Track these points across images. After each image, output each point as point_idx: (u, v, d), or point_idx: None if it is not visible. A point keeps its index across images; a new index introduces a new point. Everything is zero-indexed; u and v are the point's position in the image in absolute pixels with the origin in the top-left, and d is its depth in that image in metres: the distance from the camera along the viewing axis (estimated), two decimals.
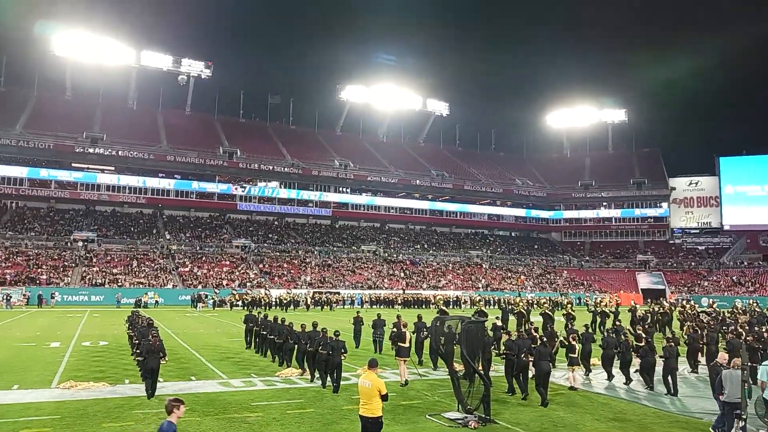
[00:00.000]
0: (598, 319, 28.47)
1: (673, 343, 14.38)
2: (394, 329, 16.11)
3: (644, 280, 70.15)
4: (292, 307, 44.75)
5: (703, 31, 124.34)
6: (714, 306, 35.64)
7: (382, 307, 48.48)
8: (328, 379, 13.93)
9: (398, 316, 17.46)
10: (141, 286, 48.92)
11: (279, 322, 18.14)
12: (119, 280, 49.45)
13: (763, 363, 10.02)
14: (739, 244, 77.46)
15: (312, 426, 10.49)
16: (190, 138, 69.17)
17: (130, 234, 59.80)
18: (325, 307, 46.80)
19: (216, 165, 67.29)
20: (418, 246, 74.18)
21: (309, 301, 47.46)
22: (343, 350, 13.80)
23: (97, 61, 68.64)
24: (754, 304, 39.08)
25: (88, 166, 61.96)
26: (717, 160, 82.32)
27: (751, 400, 10.10)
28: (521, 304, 31.07)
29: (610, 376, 15.41)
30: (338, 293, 51.99)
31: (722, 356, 10.87)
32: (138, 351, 14.38)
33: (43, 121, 62.34)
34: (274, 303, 45.81)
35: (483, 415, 10.90)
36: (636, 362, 15.22)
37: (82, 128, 63.40)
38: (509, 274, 69.74)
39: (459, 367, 12.51)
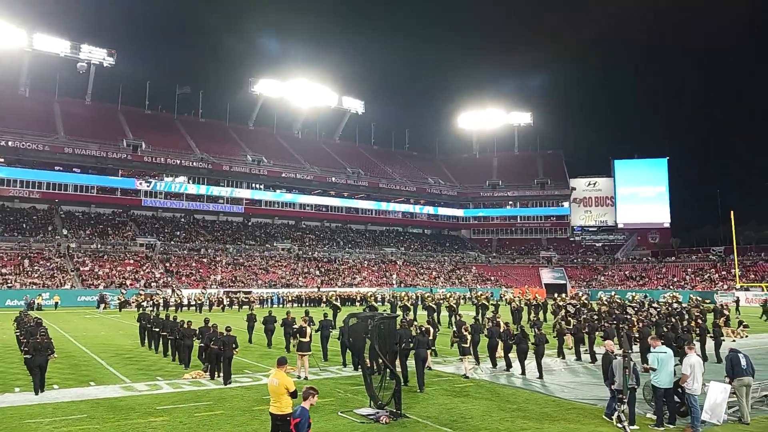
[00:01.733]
0: (481, 311, 30.91)
1: (541, 331, 16.21)
2: (293, 326, 16.97)
3: (547, 276, 73.93)
4: (206, 307, 42.36)
5: (601, 37, 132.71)
6: (615, 298, 38.69)
7: (311, 305, 44.75)
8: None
9: (287, 313, 18.86)
10: (35, 286, 45.53)
11: (171, 319, 18.84)
12: (8, 281, 45.74)
13: (652, 351, 10.86)
14: (631, 241, 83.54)
15: (222, 428, 10.26)
16: (91, 129, 65.04)
17: (22, 231, 55.45)
18: (243, 306, 43.50)
19: (119, 158, 63.66)
20: (334, 243, 74.06)
21: (225, 301, 45.46)
22: (234, 345, 14.40)
23: None
24: (616, 297, 42.47)
25: None
26: (612, 163, 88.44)
27: (639, 385, 10.96)
28: (405, 298, 35.29)
29: (494, 364, 16.95)
30: (250, 292, 50.74)
31: (609, 344, 11.66)
32: (26, 349, 14.26)
33: None
34: (185, 304, 43.36)
35: (394, 410, 11.11)
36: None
37: None
38: (422, 271, 71.21)
39: (371, 363, 12.69)
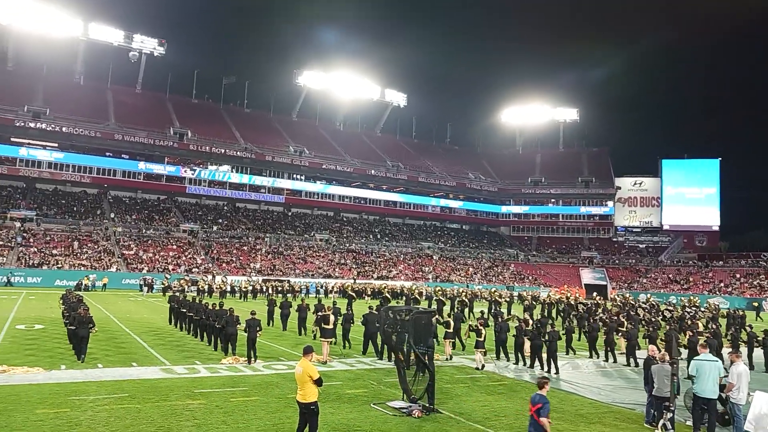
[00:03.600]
0: (493, 307, 32.51)
1: (556, 329, 16.72)
2: (318, 313, 17.94)
3: (587, 276, 72.36)
4: (251, 296, 41.25)
5: (654, 36, 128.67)
6: (629, 299, 38.71)
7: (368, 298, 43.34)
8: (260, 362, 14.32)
9: (302, 300, 21.07)
10: (83, 268, 47.22)
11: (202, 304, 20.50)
12: (59, 262, 47.58)
13: (693, 358, 10.49)
14: (677, 244, 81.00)
15: (255, 414, 10.42)
16: (140, 117, 66.89)
17: (73, 214, 57.54)
18: (288, 295, 40.21)
19: (166, 146, 65.31)
20: (371, 236, 74.33)
21: (271, 290, 43.35)
22: (258, 328, 15.78)
23: (42, 31, 65.30)
24: (630, 297, 42.75)
25: (29, 142, 59.07)
26: (660, 162, 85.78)
27: (680, 393, 10.62)
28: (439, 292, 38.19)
29: (498, 356, 17.66)
30: (288, 281, 51.24)
31: (652, 349, 11.33)
32: (68, 322, 15.96)
33: None
34: (228, 291, 43.20)
35: (427, 405, 11.07)
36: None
37: (23, 101, 60.36)
38: (459, 267, 70.80)
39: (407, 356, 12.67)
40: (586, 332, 20.27)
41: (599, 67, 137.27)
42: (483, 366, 16.11)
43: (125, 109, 67.95)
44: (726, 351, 16.39)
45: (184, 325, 21.89)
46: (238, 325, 16.47)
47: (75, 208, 58.91)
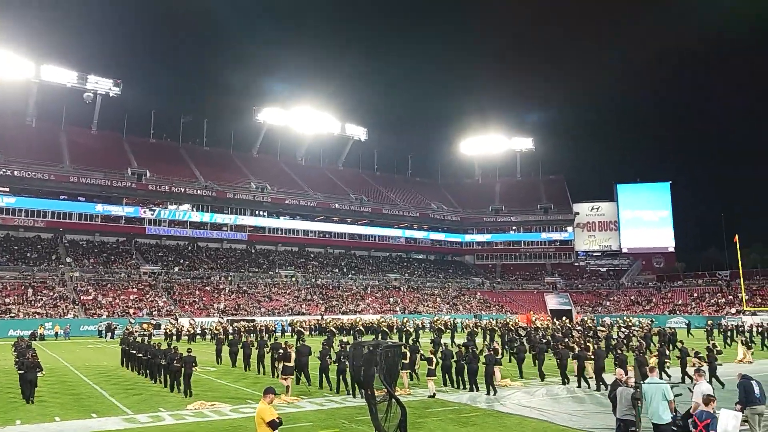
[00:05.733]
0: (437, 336, 33.13)
1: (492, 352, 18.16)
2: (279, 351, 18.32)
3: (552, 301, 73.42)
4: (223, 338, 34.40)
5: (602, 63, 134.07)
6: (566, 322, 43.76)
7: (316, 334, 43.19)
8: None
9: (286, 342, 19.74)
10: (38, 316, 45.37)
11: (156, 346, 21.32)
12: (11, 311, 45.61)
13: (643, 382, 10.59)
14: (636, 266, 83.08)
15: None
16: (96, 158, 65.54)
17: (26, 260, 55.48)
18: (262, 335, 37.76)
19: (123, 187, 63.98)
20: (337, 270, 73.86)
21: (243, 331, 39.33)
22: (194, 363, 17.25)
23: None
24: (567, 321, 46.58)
25: None
26: (615, 187, 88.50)
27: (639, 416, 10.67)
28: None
29: (444, 382, 18.39)
30: (253, 320, 50.32)
31: (620, 372, 11.52)
32: (17, 366, 17.06)
33: None
34: (198, 333, 40.75)
35: None
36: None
37: None
38: (426, 297, 70.82)
39: (377, 392, 12.53)
40: (514, 354, 22.37)
41: (552, 97, 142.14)
42: (434, 394, 16.59)
43: (80, 151, 66.53)
44: (691, 370, 16.80)
45: (133, 366, 22.82)
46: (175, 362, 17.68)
47: (28, 254, 56.84)
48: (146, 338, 30.57)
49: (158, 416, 14.08)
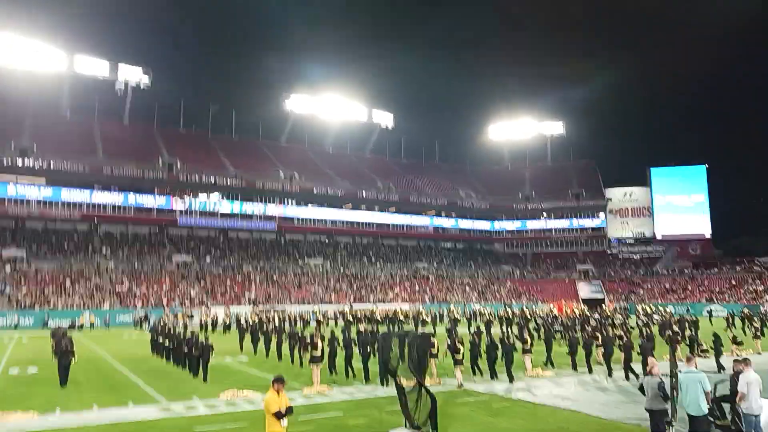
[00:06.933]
0: (453, 325, 33.68)
1: (510, 342, 18.45)
2: (308, 339, 18.56)
3: (584, 290, 72.40)
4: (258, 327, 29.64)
5: (634, 44, 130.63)
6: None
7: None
8: None
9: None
10: (76, 306, 46.65)
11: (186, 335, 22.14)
12: (51, 301, 46.97)
13: (682, 371, 10.27)
14: (671, 253, 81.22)
15: None
16: (128, 149, 66.76)
17: (63, 252, 57.00)
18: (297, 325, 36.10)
19: (155, 177, 65.10)
20: (365, 259, 74.06)
21: (278, 320, 36.95)
22: (211, 350, 18.53)
23: (27, 67, 65.31)
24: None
25: (16, 179, 58.71)
26: (648, 171, 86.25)
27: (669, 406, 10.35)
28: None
29: (474, 372, 18.41)
30: (284, 310, 50.83)
31: (652, 362, 11.20)
32: (54, 353, 18.72)
33: None
34: (233, 323, 38.30)
35: (430, 431, 10.87)
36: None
37: (9, 138, 60.06)
38: (455, 286, 70.54)
39: (407, 382, 12.49)
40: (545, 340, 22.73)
41: (583, 80, 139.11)
42: (461, 384, 16.50)
43: (113, 142, 67.83)
44: (731, 359, 16.42)
45: (161, 354, 23.84)
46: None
47: (65, 246, 58.38)
48: (183, 328, 31.03)
49: (192, 405, 14.29)
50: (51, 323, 42.18)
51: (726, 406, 10.77)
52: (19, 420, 12.66)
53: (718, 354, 19.43)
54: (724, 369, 17.98)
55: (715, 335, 20.49)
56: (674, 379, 9.83)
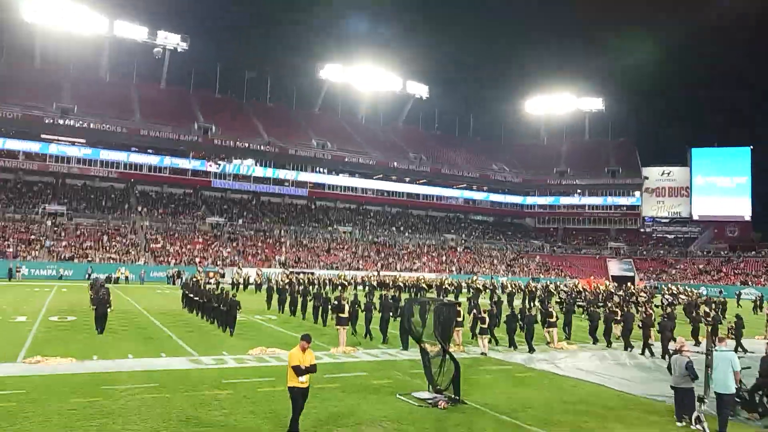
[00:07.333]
0: (475, 295, 33.53)
1: (531, 313, 18.96)
2: (335, 302, 18.94)
3: (615, 267, 71.48)
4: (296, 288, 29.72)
5: (680, 21, 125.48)
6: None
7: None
8: None
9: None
10: (112, 261, 48.20)
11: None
12: (89, 255, 48.60)
13: (715, 349, 10.16)
14: (707, 234, 79.29)
15: (282, 404, 10.48)
16: (165, 112, 67.75)
17: (101, 209, 58.66)
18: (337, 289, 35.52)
19: (190, 141, 66.10)
20: (394, 228, 74.29)
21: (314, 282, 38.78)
22: (238, 306, 19.17)
23: (68, 29, 66.39)
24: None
25: (58, 138, 60.30)
26: (689, 151, 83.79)
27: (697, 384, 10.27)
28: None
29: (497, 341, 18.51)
30: (312, 273, 51.57)
31: (681, 340, 11.11)
32: (92, 302, 19.68)
33: (11, 91, 60.24)
34: (264, 283, 37.39)
35: (453, 396, 11.04)
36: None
37: (51, 99, 61.59)
38: (483, 259, 70.39)
39: (431, 347, 12.64)
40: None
41: (625, 56, 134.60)
42: (485, 353, 16.68)
43: (150, 105, 68.85)
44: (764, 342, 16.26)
45: (192, 308, 24.84)
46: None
47: (103, 203, 60.03)
48: (216, 285, 31.72)
49: (221, 359, 14.76)
50: (90, 276, 43.74)
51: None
52: (59, 364, 13.26)
53: (738, 336, 19.16)
54: (745, 351, 17.69)
55: (738, 317, 20.33)
56: (709, 357, 9.77)
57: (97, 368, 13.04)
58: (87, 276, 43.08)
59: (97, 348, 15.50)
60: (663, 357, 16.84)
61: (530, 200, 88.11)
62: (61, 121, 59.69)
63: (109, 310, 18.61)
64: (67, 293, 32.90)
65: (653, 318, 19.42)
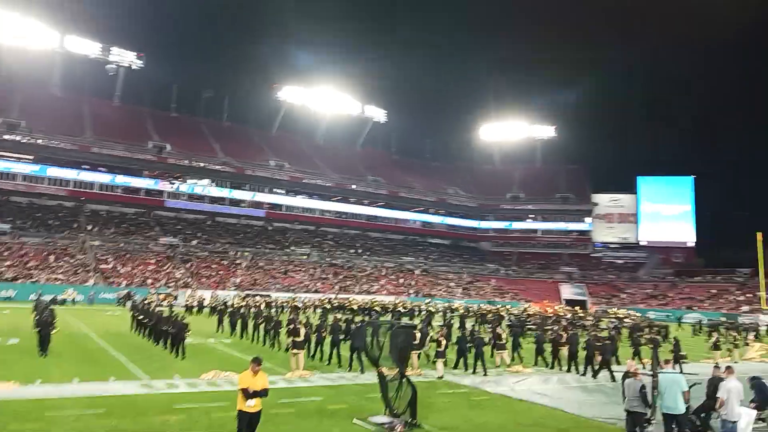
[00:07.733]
0: (427, 319, 34.80)
1: (480, 337, 19.28)
2: (290, 325, 18.36)
3: (567, 291, 73.03)
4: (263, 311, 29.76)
5: (630, 52, 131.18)
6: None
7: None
8: None
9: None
10: (58, 282, 46.30)
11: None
12: (34, 275, 46.58)
13: (661, 371, 10.51)
14: (654, 260, 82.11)
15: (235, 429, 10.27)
16: (118, 130, 66.17)
17: (48, 227, 56.46)
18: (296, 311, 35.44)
19: (144, 159, 64.67)
20: (352, 250, 74.11)
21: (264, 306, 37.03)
22: (186, 329, 19.08)
23: (18, 43, 64.43)
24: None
25: (3, 154, 57.97)
26: (636, 179, 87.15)
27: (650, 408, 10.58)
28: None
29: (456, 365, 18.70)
30: (269, 296, 50.78)
31: (630, 363, 11.45)
32: (36, 324, 18.94)
33: None
34: (221, 307, 32.73)
35: (409, 420, 11.03)
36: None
37: None
38: (440, 281, 70.87)
39: (388, 371, 12.63)
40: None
41: (576, 85, 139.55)
42: (442, 376, 16.82)
43: (103, 122, 67.18)
44: (711, 364, 16.86)
45: (141, 331, 24.36)
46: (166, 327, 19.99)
47: (51, 222, 57.81)
48: (168, 308, 30.91)
49: (172, 383, 14.34)
50: (33, 297, 41.86)
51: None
52: (0, 389, 12.63)
53: (676, 359, 19.48)
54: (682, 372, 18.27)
55: (676, 339, 21.26)
56: (655, 379, 10.10)
57: (40, 393, 12.49)
58: (35, 297, 41.25)
59: (41, 371, 14.84)
60: (594, 377, 17.97)
61: (485, 224, 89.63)
62: (7, 137, 57.51)
63: (53, 332, 18.22)
64: (10, 315, 31.37)
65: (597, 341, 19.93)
